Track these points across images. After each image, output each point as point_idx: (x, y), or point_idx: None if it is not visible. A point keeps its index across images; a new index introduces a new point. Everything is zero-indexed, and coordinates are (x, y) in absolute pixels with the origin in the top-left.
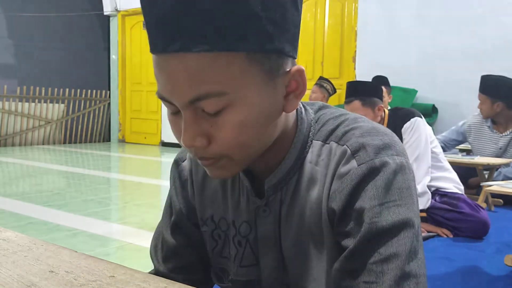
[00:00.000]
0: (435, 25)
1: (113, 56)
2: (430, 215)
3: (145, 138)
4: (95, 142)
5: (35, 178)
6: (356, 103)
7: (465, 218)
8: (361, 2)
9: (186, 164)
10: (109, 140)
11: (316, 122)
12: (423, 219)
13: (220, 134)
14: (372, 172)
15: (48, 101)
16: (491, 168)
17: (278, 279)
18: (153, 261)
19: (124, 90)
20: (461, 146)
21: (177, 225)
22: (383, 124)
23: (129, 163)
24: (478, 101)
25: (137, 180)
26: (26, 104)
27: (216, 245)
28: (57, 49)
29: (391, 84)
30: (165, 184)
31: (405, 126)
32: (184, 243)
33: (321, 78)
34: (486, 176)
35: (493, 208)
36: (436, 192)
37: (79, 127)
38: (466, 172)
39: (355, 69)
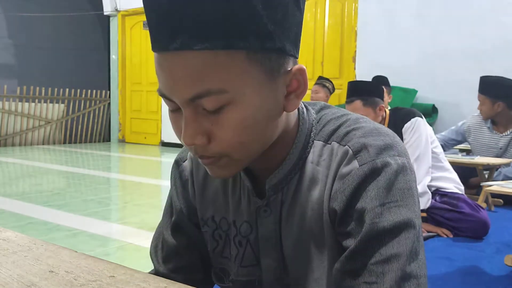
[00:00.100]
0: (435, 25)
1: (113, 56)
2: (430, 215)
3: (145, 138)
4: (95, 142)
5: (35, 178)
6: (358, 103)
7: (465, 218)
8: (361, 2)
9: (187, 164)
10: (109, 140)
11: (317, 122)
12: (423, 219)
13: (220, 132)
14: (373, 173)
15: (48, 101)
16: (491, 168)
17: (279, 279)
18: (153, 262)
19: (124, 90)
20: (461, 146)
21: (177, 225)
22: (384, 124)
23: (129, 163)
24: (478, 101)
25: (137, 180)
26: (26, 104)
27: (217, 245)
28: (57, 49)
29: (391, 84)
30: (165, 184)
31: (405, 126)
32: (185, 243)
33: (321, 77)
34: (486, 176)
35: (493, 208)
36: (436, 192)
37: (79, 127)
38: (466, 172)
39: (355, 69)
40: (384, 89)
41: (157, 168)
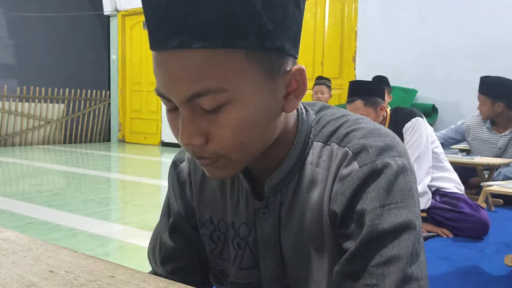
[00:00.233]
0: (435, 25)
1: (113, 56)
2: (431, 215)
3: (145, 138)
4: (95, 142)
5: (35, 178)
6: (358, 103)
7: (465, 218)
8: (361, 2)
9: (184, 165)
10: (109, 140)
11: (317, 123)
12: (424, 219)
13: (218, 132)
14: (373, 174)
15: (48, 101)
16: (491, 168)
17: (278, 281)
18: (151, 264)
19: (124, 90)
20: (461, 146)
21: (175, 227)
22: (385, 123)
23: (129, 163)
24: (478, 102)
25: (137, 180)
26: (26, 104)
27: (215, 247)
28: (57, 49)
29: (391, 84)
30: (165, 184)
31: (406, 126)
32: (183, 245)
33: (321, 77)
34: (486, 176)
35: (493, 208)
36: (437, 192)
37: (79, 127)
38: (466, 172)
39: (355, 69)
40: (384, 89)
41: (157, 168)
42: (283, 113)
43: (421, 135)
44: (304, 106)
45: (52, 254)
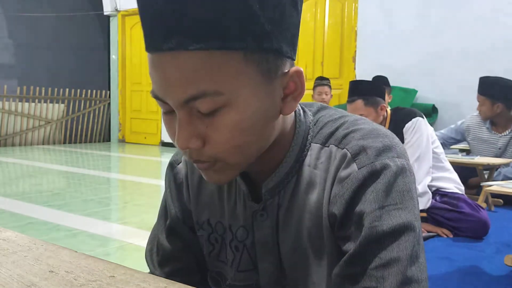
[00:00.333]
0: (435, 25)
1: (113, 56)
2: (431, 215)
3: (145, 138)
4: (95, 142)
5: (35, 178)
6: (359, 103)
7: (465, 218)
8: (361, 2)
9: (181, 166)
10: (109, 140)
11: (314, 124)
12: (423, 219)
13: (215, 135)
14: (372, 175)
15: (48, 101)
16: (491, 168)
17: (277, 284)
18: (148, 266)
19: (124, 90)
20: (461, 146)
21: (172, 229)
22: (385, 123)
23: (129, 163)
24: (478, 102)
25: (137, 180)
26: (26, 104)
27: (213, 249)
28: (57, 49)
29: (391, 84)
30: None
31: (406, 126)
32: (180, 247)
33: (323, 78)
34: (486, 176)
35: (493, 208)
36: (437, 192)
37: (79, 127)
38: (466, 172)
39: (355, 69)
40: (384, 89)
41: (157, 168)
42: (281, 115)
43: (421, 135)
44: (302, 107)
45: (52, 254)
